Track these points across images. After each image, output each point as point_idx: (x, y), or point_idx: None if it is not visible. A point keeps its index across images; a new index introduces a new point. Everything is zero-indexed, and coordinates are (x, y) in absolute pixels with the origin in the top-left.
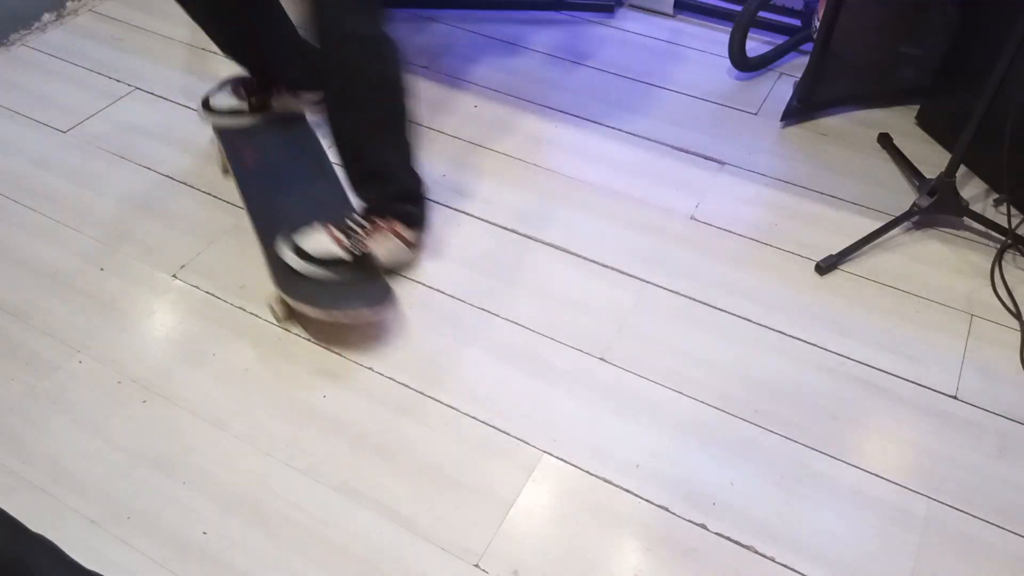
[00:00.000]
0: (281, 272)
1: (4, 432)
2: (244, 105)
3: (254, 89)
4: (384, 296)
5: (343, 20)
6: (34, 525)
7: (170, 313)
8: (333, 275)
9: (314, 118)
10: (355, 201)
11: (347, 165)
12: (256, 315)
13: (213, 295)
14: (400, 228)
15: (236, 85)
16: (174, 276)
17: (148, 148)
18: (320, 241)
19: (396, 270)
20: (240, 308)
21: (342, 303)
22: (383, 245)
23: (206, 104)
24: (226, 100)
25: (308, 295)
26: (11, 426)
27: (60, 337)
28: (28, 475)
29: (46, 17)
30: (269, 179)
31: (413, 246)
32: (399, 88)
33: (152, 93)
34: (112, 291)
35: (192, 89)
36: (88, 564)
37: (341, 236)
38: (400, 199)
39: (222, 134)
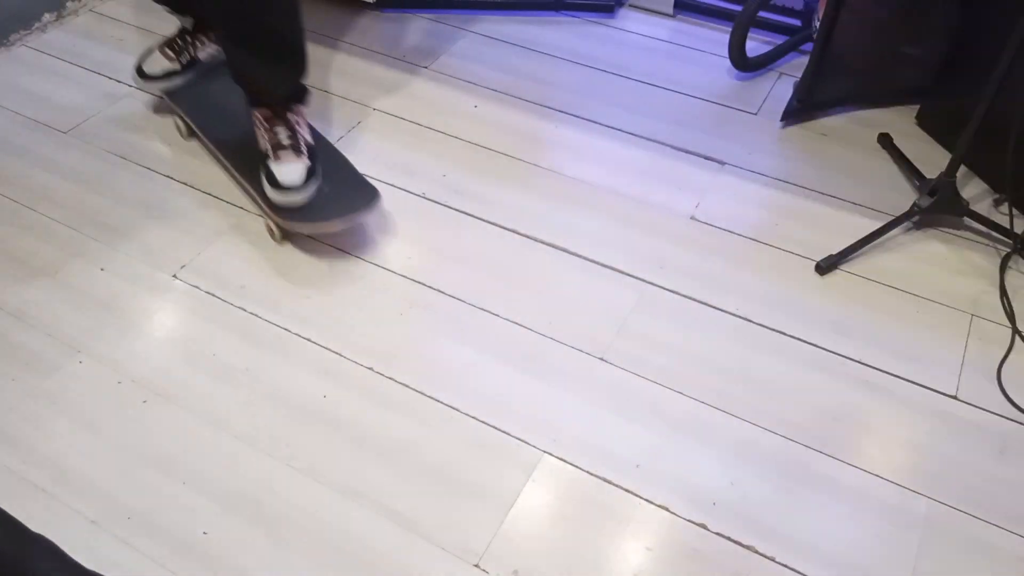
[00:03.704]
0: (267, 200)
1: (4, 432)
2: (176, 65)
3: (181, 47)
4: (371, 198)
5: None
6: (34, 525)
7: (170, 313)
8: (320, 189)
9: None
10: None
11: (254, 59)
12: (256, 315)
13: (213, 295)
14: (300, 108)
15: (163, 47)
16: (174, 276)
17: (148, 148)
18: (292, 169)
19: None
20: (240, 308)
21: (333, 214)
22: (307, 130)
23: (140, 72)
24: (158, 64)
25: (301, 215)
26: (11, 426)
27: (60, 337)
28: (28, 475)
29: (46, 17)
30: (226, 125)
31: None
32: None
33: (152, 93)
34: (112, 291)
35: None
36: (88, 564)
37: (296, 154)
38: (298, 81)
39: (173, 98)
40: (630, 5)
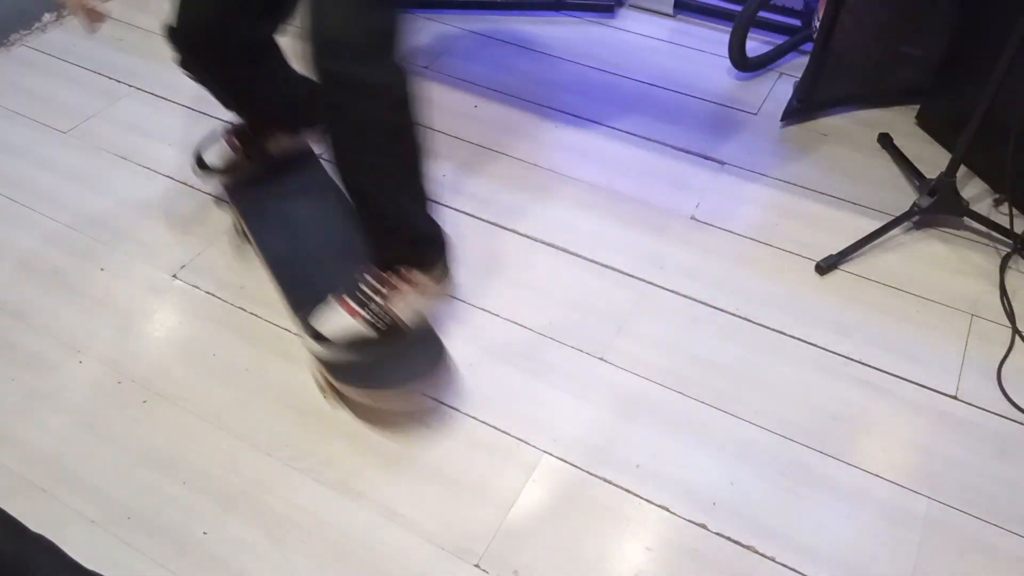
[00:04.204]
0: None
1: (4, 432)
2: (241, 156)
3: (247, 137)
4: (436, 360)
5: (342, 65)
6: (34, 525)
7: (170, 313)
8: (366, 357)
9: (319, 149)
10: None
11: (360, 214)
12: (256, 315)
13: (213, 295)
14: (419, 276)
15: (228, 135)
16: (174, 276)
17: (148, 148)
18: (338, 321)
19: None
20: (240, 308)
21: (390, 380)
22: (407, 303)
23: (200, 163)
24: (221, 154)
25: (351, 375)
26: (11, 426)
27: (60, 337)
28: (28, 475)
29: (46, 17)
30: (285, 237)
31: (439, 289)
32: (410, 136)
33: (152, 93)
34: (112, 291)
35: (193, 90)
36: (88, 564)
37: (358, 308)
38: (414, 243)
39: (232, 193)
40: (630, 5)
